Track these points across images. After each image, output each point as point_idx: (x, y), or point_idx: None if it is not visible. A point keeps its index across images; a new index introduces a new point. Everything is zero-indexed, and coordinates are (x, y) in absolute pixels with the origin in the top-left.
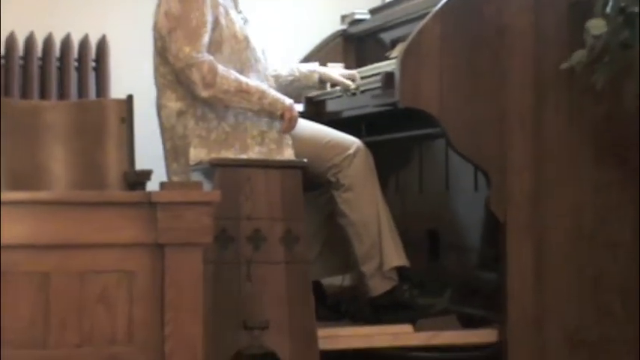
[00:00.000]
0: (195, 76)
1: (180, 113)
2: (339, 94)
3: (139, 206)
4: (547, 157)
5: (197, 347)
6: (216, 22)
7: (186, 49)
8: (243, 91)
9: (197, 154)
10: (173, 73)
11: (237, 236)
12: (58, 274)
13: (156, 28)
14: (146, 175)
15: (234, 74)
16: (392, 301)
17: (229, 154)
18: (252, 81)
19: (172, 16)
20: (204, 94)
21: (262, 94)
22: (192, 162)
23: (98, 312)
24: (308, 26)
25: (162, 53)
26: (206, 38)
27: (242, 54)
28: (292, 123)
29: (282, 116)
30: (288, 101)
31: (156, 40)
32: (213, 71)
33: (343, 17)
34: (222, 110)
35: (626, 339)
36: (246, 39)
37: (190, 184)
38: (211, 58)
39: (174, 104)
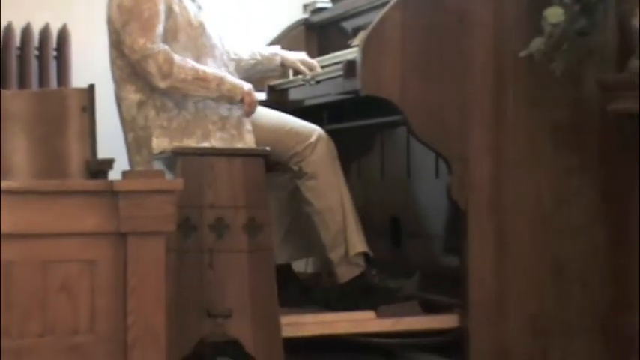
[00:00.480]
0: (152, 67)
1: (141, 104)
2: (302, 82)
3: (101, 195)
4: (507, 144)
5: (160, 336)
6: (169, 11)
7: (141, 41)
8: (201, 79)
9: (159, 143)
10: (130, 66)
11: (200, 225)
12: (20, 264)
13: (110, 22)
14: (108, 164)
15: (190, 62)
16: (361, 286)
17: (191, 142)
18: (209, 68)
19: (125, 9)
20: (162, 84)
21: (220, 81)
22: (155, 152)
23: (60, 301)
24: (270, 15)
25: (117, 46)
26: (160, 28)
27: (198, 40)
28: (252, 107)
29: (241, 101)
30: (247, 86)
31: (111, 33)
32: (169, 61)
33: (305, 6)
34: (182, 99)
35: (586, 324)
36: (202, 25)
37: (152, 173)
38: (167, 48)
39: (133, 96)
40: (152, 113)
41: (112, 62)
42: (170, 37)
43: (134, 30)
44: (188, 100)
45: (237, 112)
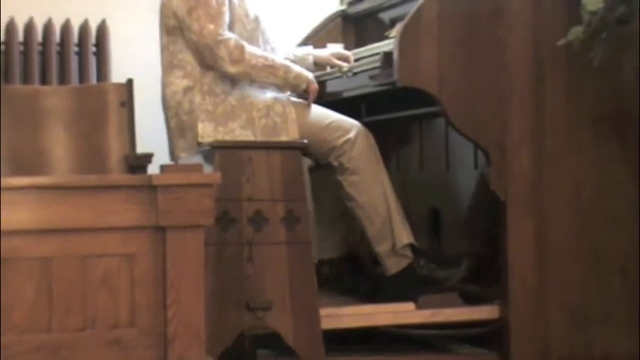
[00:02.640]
0: (223, 52)
1: (187, 90)
2: (339, 74)
3: (140, 189)
4: (546, 134)
5: (200, 329)
6: (228, 1)
7: (211, 27)
8: (270, 66)
9: (205, 128)
10: (184, 52)
11: (238, 218)
12: (60, 259)
13: (167, 7)
14: (147, 158)
15: (259, 50)
16: (410, 277)
17: (236, 125)
18: (276, 57)
19: None
20: (232, 69)
21: (287, 69)
22: (200, 137)
23: (100, 296)
24: (307, 7)
25: (173, 32)
26: (227, 16)
27: (252, 33)
28: (315, 95)
29: (305, 90)
30: (310, 74)
31: (166, 19)
32: (240, 48)
33: None
34: (229, 85)
35: (627, 314)
36: (257, 19)
37: (191, 167)
38: (236, 35)
39: (180, 81)
40: (198, 98)
41: (163, 48)
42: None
43: (202, 16)
44: (235, 87)
45: (282, 100)
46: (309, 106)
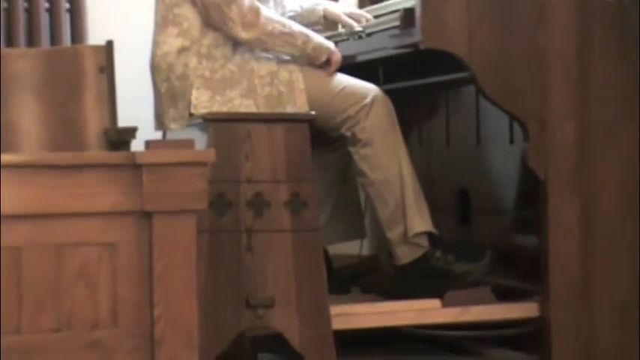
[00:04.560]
0: (235, 13)
1: (182, 51)
2: (351, 35)
3: (122, 169)
4: (593, 104)
5: (192, 330)
6: None
7: None
8: (287, 34)
9: (199, 96)
10: (182, 6)
11: (236, 201)
12: (30, 249)
13: None
14: (130, 132)
15: (277, 15)
16: (423, 270)
17: (235, 94)
18: (294, 23)
19: None
20: (244, 34)
21: (307, 39)
22: (193, 107)
23: (77, 291)
24: None
25: None
26: None
27: None
28: (338, 66)
29: (327, 62)
30: (332, 44)
31: None
32: (255, 11)
33: None
34: (230, 49)
35: None
36: None
37: (181, 142)
38: None
39: (174, 40)
40: (194, 61)
41: (159, 1)
42: None
43: None
44: (236, 51)
45: (289, 66)
46: (329, 75)
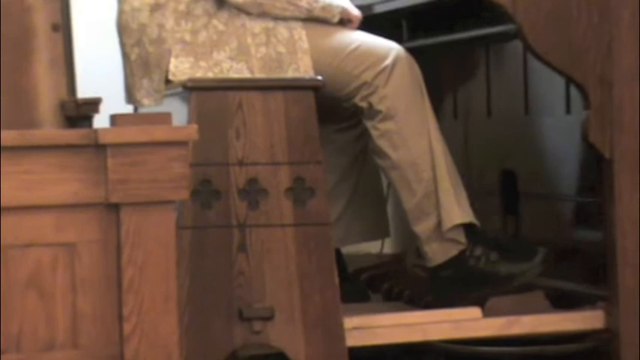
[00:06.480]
0: None
1: (155, 8)
2: None
3: (82, 150)
4: None
5: (172, 349)
6: None
7: None
8: None
9: (179, 65)
10: None
11: (225, 190)
12: None
13: None
14: (92, 105)
15: None
16: (460, 271)
17: (223, 56)
18: None
19: None
20: None
21: None
22: (172, 74)
23: (28, 303)
24: None
25: None
26: None
27: None
28: (358, 24)
29: (341, 22)
30: (345, 1)
31: None
32: None
33: None
34: (213, 3)
35: None
36: None
37: (154, 117)
38: None
39: None
40: (170, 22)
41: None
42: None
43: None
44: (223, 7)
45: (289, 22)
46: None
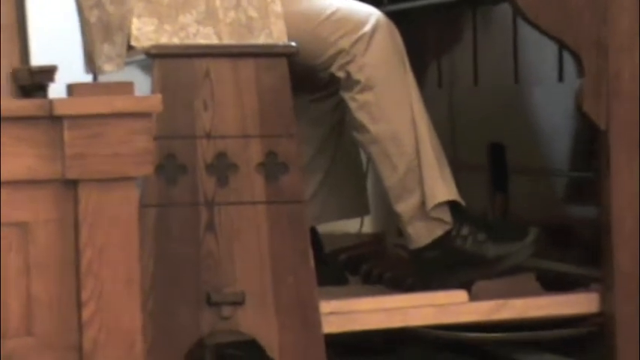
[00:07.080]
0: None
1: None
2: None
3: (36, 122)
4: None
5: (134, 337)
6: None
7: None
8: None
9: (142, 26)
10: None
11: (192, 165)
12: None
13: None
14: (47, 74)
15: None
16: (445, 253)
17: (190, 19)
18: None
19: None
20: None
21: None
22: (134, 39)
23: None
24: None
25: None
26: None
27: None
28: None
29: None
30: None
31: None
32: None
33: None
34: None
35: None
36: None
37: (116, 86)
38: None
39: None
40: None
41: None
42: None
43: None
44: None
45: None
46: None
